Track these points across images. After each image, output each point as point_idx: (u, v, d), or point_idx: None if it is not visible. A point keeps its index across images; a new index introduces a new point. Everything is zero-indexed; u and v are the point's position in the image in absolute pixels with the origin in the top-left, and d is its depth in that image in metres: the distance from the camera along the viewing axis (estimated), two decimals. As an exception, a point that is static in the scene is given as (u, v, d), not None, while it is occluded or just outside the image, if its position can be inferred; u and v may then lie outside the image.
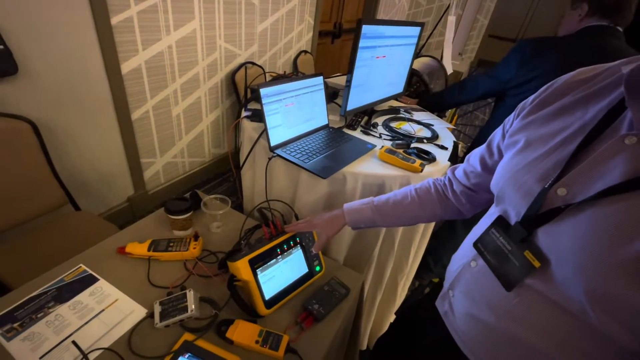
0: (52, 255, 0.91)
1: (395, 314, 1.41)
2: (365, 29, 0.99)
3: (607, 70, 0.45)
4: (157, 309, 0.67)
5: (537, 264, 0.42)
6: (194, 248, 0.83)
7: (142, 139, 1.73)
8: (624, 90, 0.38)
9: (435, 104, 1.56)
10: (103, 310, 0.68)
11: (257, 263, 0.73)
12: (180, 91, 1.81)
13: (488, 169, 0.62)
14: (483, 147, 0.63)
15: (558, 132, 0.45)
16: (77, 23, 1.27)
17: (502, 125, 0.58)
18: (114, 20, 1.38)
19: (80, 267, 0.77)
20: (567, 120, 0.45)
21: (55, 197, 1.19)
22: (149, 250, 0.81)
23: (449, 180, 0.71)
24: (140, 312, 0.69)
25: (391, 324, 0.90)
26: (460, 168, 0.69)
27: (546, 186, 0.42)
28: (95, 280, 0.74)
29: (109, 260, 0.80)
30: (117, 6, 1.37)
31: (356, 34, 0.97)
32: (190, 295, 0.70)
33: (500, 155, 0.58)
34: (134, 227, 0.91)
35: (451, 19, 2.71)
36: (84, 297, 0.70)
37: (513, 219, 0.47)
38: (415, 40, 1.33)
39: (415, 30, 1.29)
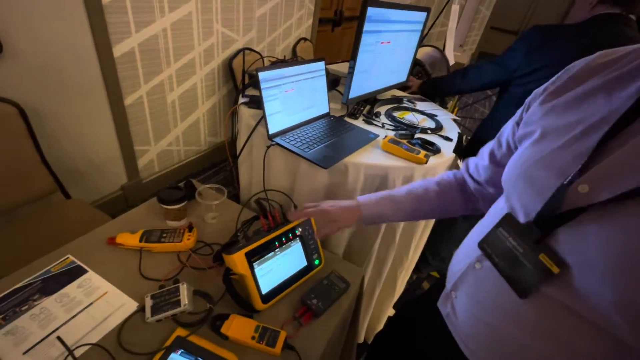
0: (39, 245, 0.87)
1: (394, 307, 1.39)
2: (371, 11, 0.94)
3: (633, 52, 0.40)
4: (149, 302, 0.64)
5: (555, 269, 0.37)
6: (188, 239, 0.79)
7: (136, 126, 1.67)
8: None
9: (437, 89, 1.52)
10: (91, 303, 0.65)
11: (254, 256, 0.70)
12: (175, 77, 1.75)
13: (497, 163, 0.59)
14: (494, 140, 0.60)
15: (578, 122, 0.41)
16: (65, 2, 1.20)
17: (513, 117, 0.55)
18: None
19: (68, 257, 0.73)
20: (588, 108, 0.41)
21: (44, 185, 1.14)
22: (140, 241, 0.77)
23: (465, 174, 0.68)
24: (130, 305, 0.66)
25: (390, 321, 0.88)
26: (472, 162, 0.66)
27: (565, 182, 0.38)
28: (83, 271, 0.71)
29: (99, 251, 0.76)
30: (108, -16, 1.30)
31: (361, 15, 0.92)
32: (184, 288, 0.67)
33: (509, 149, 0.54)
34: (126, 217, 0.87)
35: (455, 8, 2.64)
36: (71, 289, 0.67)
37: (523, 217, 0.43)
38: (420, 27, 1.28)
39: (422, 15, 1.24)
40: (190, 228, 0.82)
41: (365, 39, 0.99)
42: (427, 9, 1.24)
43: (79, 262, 0.72)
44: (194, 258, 0.78)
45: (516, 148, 0.52)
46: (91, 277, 0.70)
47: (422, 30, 1.30)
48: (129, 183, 1.75)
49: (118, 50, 1.43)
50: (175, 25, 1.61)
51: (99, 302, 0.65)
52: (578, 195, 0.36)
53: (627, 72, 0.39)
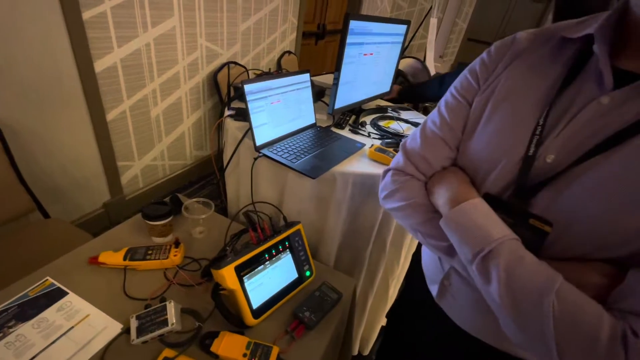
0: (16, 268, 0.83)
1: (387, 316, 1.38)
2: (353, 24, 0.96)
3: (548, 39, 0.46)
4: (134, 323, 0.61)
5: (547, 229, 0.41)
6: (175, 255, 0.77)
7: (119, 141, 1.64)
8: (598, 51, 0.38)
9: (416, 95, 1.58)
10: (72, 327, 0.62)
11: (243, 270, 0.69)
12: (159, 91, 1.73)
13: (456, 148, 0.54)
14: (436, 130, 0.54)
15: (528, 94, 0.45)
16: (44, 17, 1.18)
17: (455, 98, 0.53)
18: (86, 15, 1.30)
19: (47, 280, 0.70)
20: (533, 80, 0.45)
21: (21, 204, 1.09)
22: (124, 259, 0.75)
23: (420, 175, 0.58)
24: (114, 327, 0.63)
25: (386, 330, 0.87)
26: (418, 161, 0.56)
27: (530, 153, 0.42)
28: (64, 294, 0.67)
29: (80, 271, 0.73)
30: (90, 0, 1.29)
31: (344, 28, 0.94)
32: (171, 306, 0.64)
33: (464, 125, 0.52)
34: (109, 235, 0.84)
35: (433, 21, 2.75)
36: (50, 313, 0.63)
37: (499, 190, 0.46)
38: (401, 39, 1.32)
39: (402, 28, 1.28)
40: (176, 244, 0.80)
41: (348, 51, 1.01)
42: (407, 22, 1.28)
43: (58, 284, 0.69)
44: (181, 275, 0.75)
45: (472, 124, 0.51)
46: (72, 300, 0.67)
47: (403, 42, 1.34)
48: (111, 200, 1.70)
49: (100, 65, 1.41)
50: (158, 40, 1.61)
51: (80, 326, 0.62)
52: (546, 164, 0.42)
53: (549, 54, 0.45)
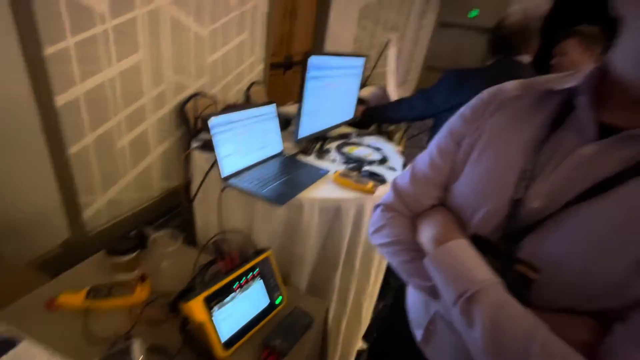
0: (-39, 318, 0.76)
1: (363, 338, 1.39)
2: (313, 60, 1.04)
3: (533, 90, 0.49)
4: (96, 366, 0.59)
5: (533, 275, 0.41)
6: (141, 291, 0.76)
7: (81, 175, 1.58)
8: (582, 104, 0.41)
9: (377, 117, 1.68)
10: (27, 377, 0.58)
11: (212, 300, 0.69)
12: (124, 123, 1.71)
13: (445, 188, 0.57)
14: (426, 171, 0.57)
15: (514, 140, 0.47)
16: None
17: (445, 139, 0.56)
18: (48, 50, 1.29)
19: (-2, 328, 0.65)
20: (519, 127, 0.47)
21: (-32, 248, 1.02)
22: (86, 299, 0.72)
23: (408, 212, 0.60)
24: (75, 373, 0.60)
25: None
26: (408, 199, 0.58)
27: (517, 197, 0.43)
28: (15, 343, 0.63)
29: (36, 316, 0.69)
30: (52, 36, 1.29)
31: (304, 65, 1.01)
32: (137, 345, 0.63)
33: (452, 167, 0.54)
34: (68, 275, 0.81)
35: (392, 52, 2.97)
36: (0, 365, 0.59)
37: (488, 234, 0.46)
38: (360, 71, 1.43)
39: (360, 61, 1.38)
40: (143, 279, 0.78)
41: (310, 84, 1.08)
42: (364, 56, 1.40)
43: (9, 333, 0.65)
44: (148, 311, 0.74)
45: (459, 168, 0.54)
46: (26, 349, 0.63)
47: (362, 73, 1.45)
48: (72, 237, 1.61)
49: (61, 99, 1.39)
50: (124, 74, 1.61)
51: (36, 375, 0.59)
52: (533, 209, 0.42)
53: (534, 104, 0.48)
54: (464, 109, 0.55)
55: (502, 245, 0.44)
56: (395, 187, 0.60)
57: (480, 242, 0.46)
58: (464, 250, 0.45)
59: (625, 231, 0.36)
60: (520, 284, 0.41)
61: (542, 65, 1.42)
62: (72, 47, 1.37)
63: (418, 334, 0.60)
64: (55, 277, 0.81)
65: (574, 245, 0.39)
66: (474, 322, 0.40)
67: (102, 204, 1.73)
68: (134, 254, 0.81)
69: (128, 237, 0.82)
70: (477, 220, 0.48)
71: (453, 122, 0.56)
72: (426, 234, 0.50)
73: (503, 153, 0.47)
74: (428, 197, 0.56)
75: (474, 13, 5.24)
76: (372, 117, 1.69)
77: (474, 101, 0.54)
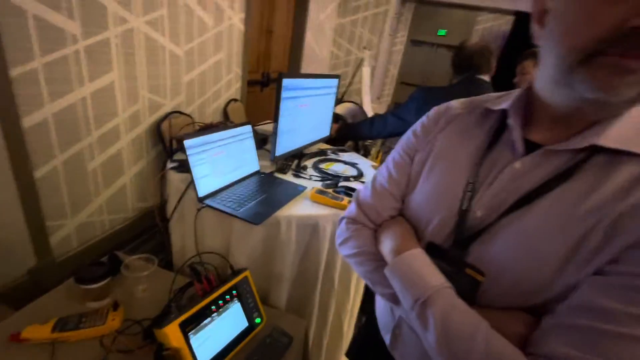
0: None
1: (346, 355, 1.38)
2: (286, 82, 1.08)
3: (474, 107, 0.55)
4: (64, 403, 0.57)
5: (480, 278, 0.45)
6: (113, 320, 0.73)
7: (49, 199, 1.51)
8: (511, 124, 0.46)
9: (351, 134, 1.73)
10: (-14, 420, 0.55)
11: (189, 325, 0.68)
12: (97, 144, 1.67)
13: (402, 200, 0.61)
14: (384, 183, 0.61)
15: (459, 155, 0.52)
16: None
17: (400, 154, 0.60)
18: (14, 72, 1.26)
19: (-46, 368, 0.62)
20: (463, 143, 0.52)
21: None
22: (53, 331, 0.69)
23: (370, 223, 0.64)
24: (40, 412, 0.57)
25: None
26: (370, 212, 0.61)
27: (465, 208, 0.48)
28: (-24, 382, 0.60)
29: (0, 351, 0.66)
30: (19, 57, 1.26)
31: (278, 87, 1.05)
32: (108, 377, 0.61)
33: (408, 180, 0.58)
34: (34, 306, 0.78)
35: (365, 70, 3.09)
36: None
37: (441, 241, 0.50)
38: (334, 90, 1.48)
39: (333, 81, 1.44)
40: (115, 307, 0.76)
41: (285, 104, 1.11)
42: (337, 76, 1.45)
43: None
44: (120, 340, 0.72)
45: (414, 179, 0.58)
46: (-14, 387, 0.59)
47: (336, 92, 1.50)
48: (38, 265, 1.53)
49: (28, 121, 1.35)
50: (96, 94, 1.59)
51: (-4, 417, 0.55)
52: (477, 219, 0.47)
53: (476, 121, 0.53)
54: (415, 126, 0.60)
55: (453, 252, 0.48)
56: (357, 200, 0.64)
57: (434, 249, 0.50)
58: (418, 259, 0.49)
59: (549, 235, 0.41)
60: (469, 286, 0.45)
61: (504, 83, 1.55)
62: (41, 68, 1.35)
63: (386, 338, 0.63)
64: (20, 308, 0.77)
65: (511, 250, 0.43)
66: (429, 325, 0.43)
67: (71, 229, 1.66)
68: (105, 281, 0.78)
69: (99, 263, 0.80)
70: (431, 229, 0.52)
71: (406, 138, 0.61)
72: (386, 245, 0.54)
73: (451, 167, 0.52)
74: (387, 209, 0.60)
75: (442, 32, 5.56)
76: (347, 134, 1.74)
77: (424, 118, 0.59)
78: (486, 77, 1.42)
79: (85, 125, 1.58)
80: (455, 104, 0.57)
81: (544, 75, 0.43)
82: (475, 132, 0.52)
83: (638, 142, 0.39)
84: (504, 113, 0.49)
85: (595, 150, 0.40)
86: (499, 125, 0.50)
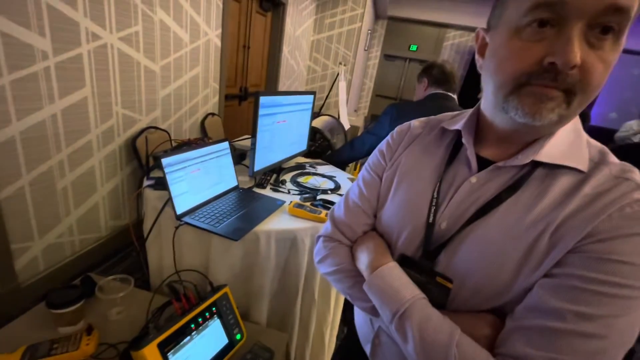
0: None
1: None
2: (263, 99, 1.10)
3: (434, 126, 0.59)
4: None
5: (449, 285, 0.49)
6: (87, 344, 0.71)
7: (14, 221, 1.44)
8: (465, 143, 0.50)
9: (335, 161, 1.78)
10: None
11: (167, 345, 0.67)
12: (67, 162, 1.62)
13: (374, 216, 0.64)
14: (356, 199, 0.64)
15: (422, 171, 0.56)
16: None
17: (369, 172, 0.63)
18: (-22, 90, 1.21)
19: None
20: (425, 160, 0.56)
21: None
22: (22, 359, 0.66)
23: (347, 240, 0.66)
24: None
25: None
26: (344, 229, 0.63)
27: (431, 221, 0.52)
28: None
29: (-40, 386, 0.62)
30: (-17, 76, 1.22)
31: (255, 105, 1.07)
32: (83, 404, 0.59)
33: (378, 196, 0.62)
34: (0, 335, 0.74)
35: (342, 84, 3.18)
36: None
37: (412, 253, 0.53)
38: (310, 106, 1.52)
39: (309, 97, 1.48)
40: (89, 331, 0.74)
41: (262, 121, 1.14)
42: (312, 92, 1.50)
43: None
44: (94, 365, 0.70)
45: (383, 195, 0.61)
46: None
47: (312, 108, 1.55)
48: (2, 291, 1.44)
49: (-7, 141, 1.29)
50: (67, 111, 1.55)
51: None
52: (442, 230, 0.50)
53: (435, 139, 0.58)
54: (381, 145, 0.65)
55: (423, 262, 0.52)
56: (332, 218, 0.66)
57: (406, 261, 0.54)
58: (393, 273, 0.52)
59: (504, 242, 0.45)
60: (441, 294, 0.49)
61: (469, 98, 1.65)
62: (8, 85, 1.31)
63: (366, 348, 0.65)
64: (-16, 339, 0.73)
65: (473, 257, 0.47)
66: (407, 338, 0.46)
67: (38, 251, 1.59)
68: (79, 305, 0.76)
69: (70, 286, 0.78)
70: (402, 242, 0.55)
71: (374, 157, 0.65)
72: (362, 261, 0.57)
73: (415, 184, 0.56)
74: (361, 225, 0.62)
75: (413, 47, 5.82)
76: (333, 162, 1.77)
77: (388, 137, 0.64)
78: (454, 95, 1.51)
79: (55, 142, 1.53)
80: (416, 123, 0.62)
81: (486, 101, 0.49)
82: (436, 149, 0.57)
83: (571, 156, 0.45)
84: (458, 132, 0.54)
85: (537, 164, 0.46)
86: (456, 142, 0.55)
